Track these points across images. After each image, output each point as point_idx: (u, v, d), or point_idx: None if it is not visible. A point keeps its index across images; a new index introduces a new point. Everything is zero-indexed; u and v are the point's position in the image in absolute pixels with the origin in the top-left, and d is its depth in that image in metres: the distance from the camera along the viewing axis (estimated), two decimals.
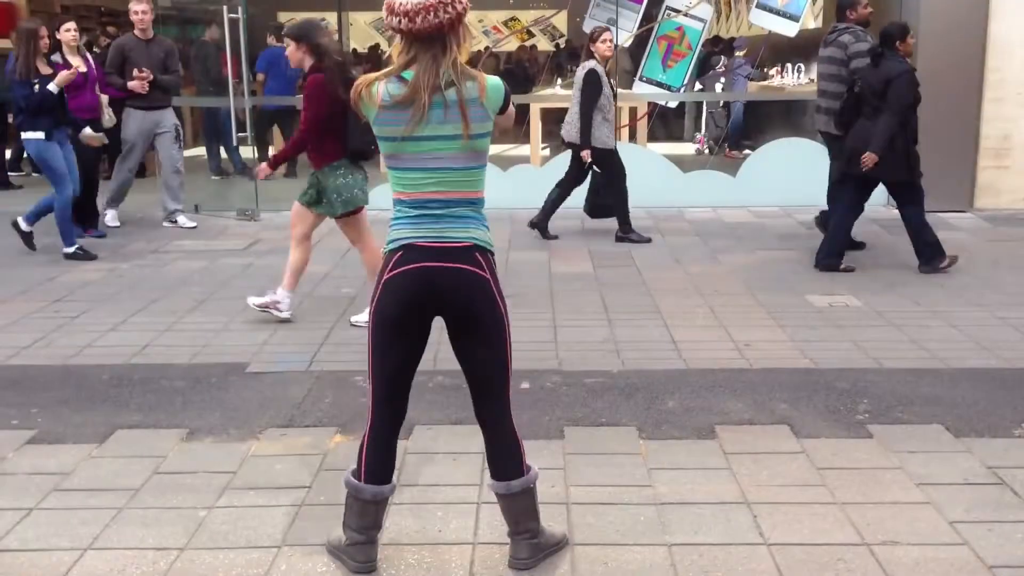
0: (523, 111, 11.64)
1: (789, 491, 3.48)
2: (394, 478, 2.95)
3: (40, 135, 7.10)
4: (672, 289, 6.35)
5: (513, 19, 20.10)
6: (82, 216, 7.94)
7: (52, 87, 6.98)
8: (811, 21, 10.94)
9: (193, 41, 12.03)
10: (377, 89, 2.68)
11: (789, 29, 9.64)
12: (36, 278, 6.70)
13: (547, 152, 11.08)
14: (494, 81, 2.75)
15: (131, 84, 8.20)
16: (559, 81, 12.93)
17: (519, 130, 11.66)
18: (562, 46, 18.47)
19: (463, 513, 3.30)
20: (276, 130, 11.73)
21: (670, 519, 3.27)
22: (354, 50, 17.57)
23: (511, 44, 19.22)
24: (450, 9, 2.61)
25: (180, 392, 4.51)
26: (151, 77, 8.20)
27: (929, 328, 5.42)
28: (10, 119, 10.96)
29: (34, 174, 12.00)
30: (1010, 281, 6.51)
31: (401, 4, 2.60)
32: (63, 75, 7.04)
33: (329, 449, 3.84)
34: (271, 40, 11.62)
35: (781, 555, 3.04)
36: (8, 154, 11.55)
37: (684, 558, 3.03)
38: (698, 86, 9.18)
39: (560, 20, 19.60)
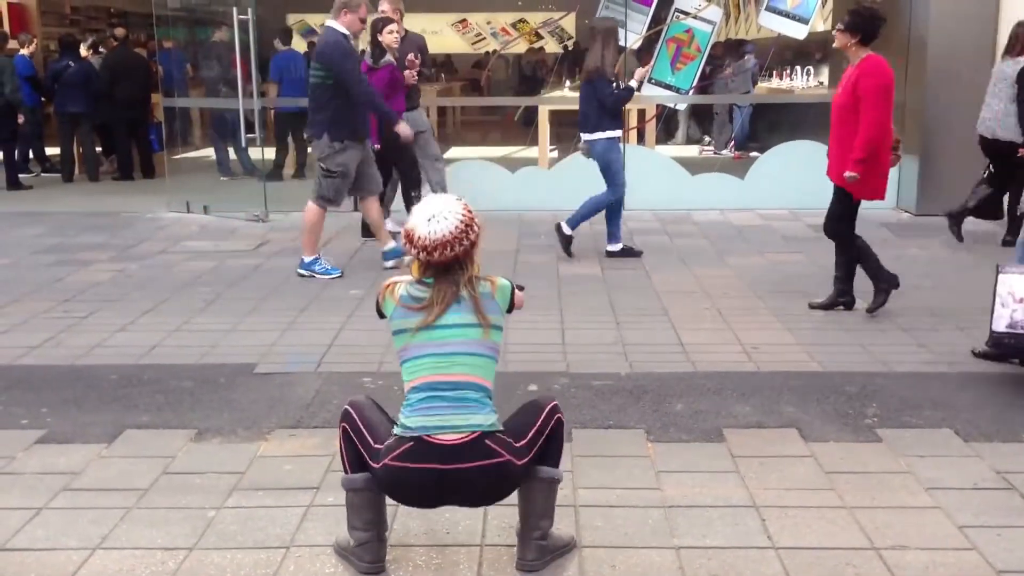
0: (532, 113, 11.68)
1: (798, 494, 3.47)
2: None
3: (618, 133, 7.21)
4: (680, 292, 6.34)
5: (522, 21, 20.12)
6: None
7: (633, 84, 7.28)
8: (820, 24, 10.92)
9: (202, 42, 12.07)
10: (399, 290, 2.84)
11: (798, 32, 9.63)
12: (45, 279, 6.72)
13: (555, 154, 11.08)
14: (503, 283, 2.91)
15: (406, 74, 7.80)
16: (567, 83, 12.94)
17: (528, 132, 11.69)
18: (570, 48, 18.48)
19: (471, 515, 3.30)
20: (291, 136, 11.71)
21: (678, 522, 3.27)
22: (363, 51, 17.57)
23: (520, 46, 19.25)
24: (465, 241, 2.78)
25: (189, 392, 4.53)
26: (418, 65, 7.93)
27: (938, 332, 5.41)
28: (20, 119, 11.04)
29: (43, 174, 12.09)
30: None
31: (420, 238, 2.76)
32: (641, 72, 7.50)
33: (337, 450, 3.83)
34: (278, 44, 11.64)
35: (789, 559, 3.04)
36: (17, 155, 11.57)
37: (692, 561, 3.03)
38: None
39: (568, 22, 19.62)
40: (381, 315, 2.95)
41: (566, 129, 11.37)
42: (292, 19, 17.76)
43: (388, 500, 2.97)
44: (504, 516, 3.18)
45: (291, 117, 11.50)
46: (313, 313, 5.87)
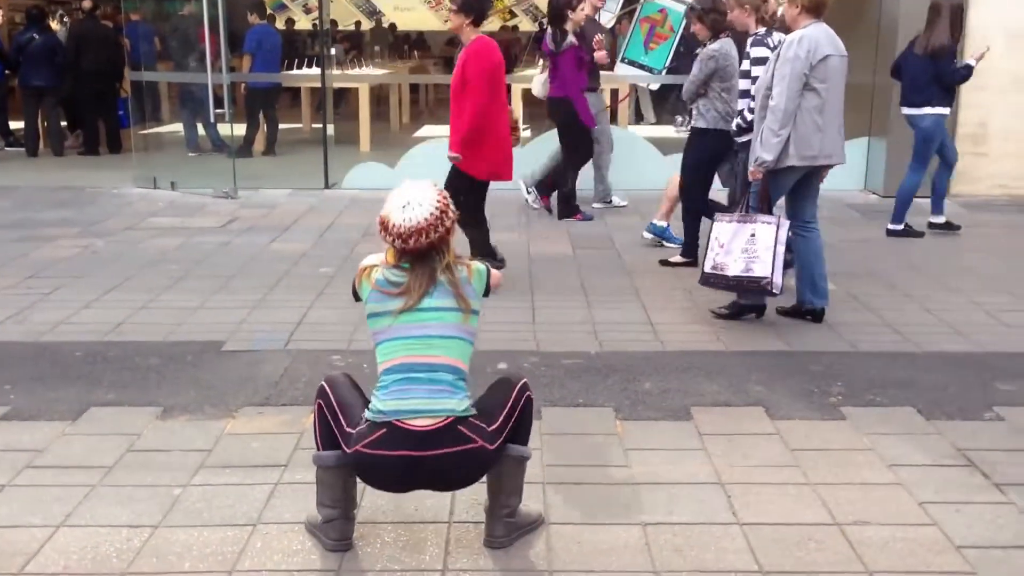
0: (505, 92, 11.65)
1: (763, 471, 3.51)
2: None
3: (947, 111, 7.20)
4: (651, 272, 6.36)
5: None
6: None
7: (972, 62, 7.20)
8: None
9: (171, 16, 11.90)
10: (376, 274, 2.82)
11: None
12: (8, 254, 6.63)
13: (528, 133, 11.05)
14: (478, 267, 2.91)
15: (598, 55, 7.83)
16: (541, 62, 12.89)
17: None
18: (545, 26, 18.41)
19: (439, 493, 3.30)
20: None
21: (645, 499, 3.30)
22: (334, 23, 17.42)
23: (493, 24, 19.13)
24: (440, 228, 2.76)
25: (155, 370, 4.49)
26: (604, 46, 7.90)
27: (904, 312, 5.47)
28: None
29: (7, 148, 11.88)
30: (985, 266, 6.57)
31: (395, 226, 2.73)
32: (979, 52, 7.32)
33: (306, 428, 3.82)
34: (254, 19, 11.49)
35: (753, 534, 3.07)
36: None
37: (658, 537, 3.05)
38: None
39: (542, 0, 19.53)
40: (357, 298, 2.94)
41: (539, 108, 11.35)
42: None
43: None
44: (472, 493, 3.18)
45: (264, 92, 11.38)
46: (282, 291, 5.84)
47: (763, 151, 4.96)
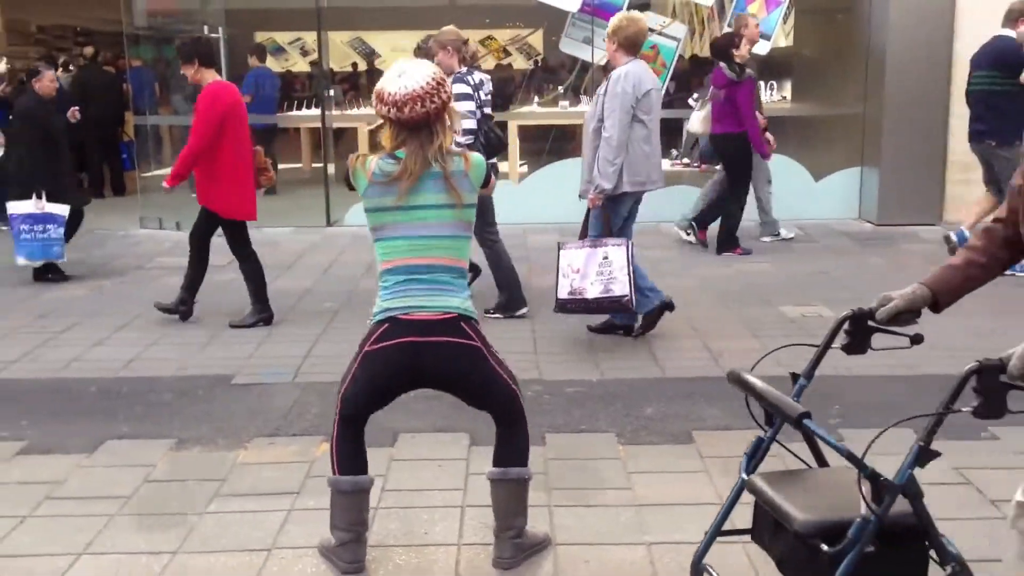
0: (501, 128, 11.83)
1: None
2: (369, 471, 3.05)
3: None
4: None
5: (490, 38, 20.28)
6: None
7: None
8: (782, 39, 11.16)
9: (171, 61, 12.10)
10: (370, 164, 2.85)
11: (760, 48, 9.82)
12: (21, 295, 6.75)
13: (524, 169, 11.22)
14: (477, 158, 2.95)
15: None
16: (536, 99, 13.09)
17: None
18: (539, 64, 18.66)
19: (448, 516, 3.40)
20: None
21: (649, 519, 3.39)
22: (331, 70, 17.66)
23: (488, 62, 19.41)
24: (436, 99, 2.79)
25: (167, 404, 4.59)
26: None
27: (899, 338, 5.56)
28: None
29: None
30: (979, 291, 6.66)
31: (390, 94, 2.78)
32: None
33: (316, 457, 3.92)
34: (253, 61, 11.70)
35: (755, 550, 3.15)
36: None
37: (663, 555, 3.14)
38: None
39: (536, 39, 19.81)
40: (350, 187, 2.96)
41: (535, 144, 11.54)
42: (260, 36, 17.81)
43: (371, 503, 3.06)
44: (480, 518, 3.27)
45: (261, 133, 11.55)
46: (288, 326, 5.95)
47: (602, 180, 5.31)
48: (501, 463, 3.05)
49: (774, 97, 12.26)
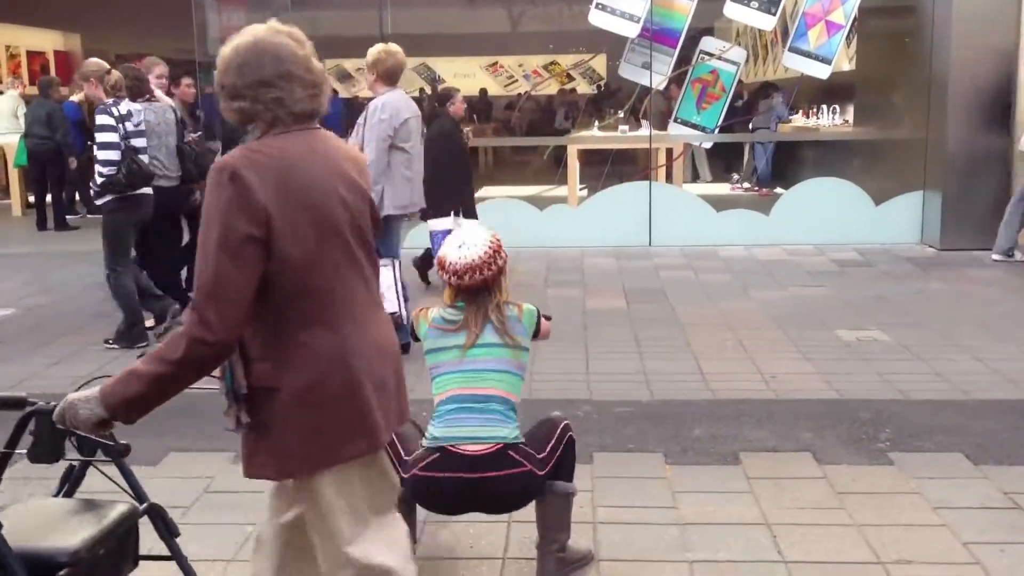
0: (561, 152, 11.94)
1: (809, 513, 3.61)
2: None
3: None
4: (703, 324, 6.50)
5: (553, 63, 20.49)
6: None
7: None
8: (844, 63, 11.11)
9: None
10: (432, 313, 3.08)
11: (821, 72, 9.81)
12: (94, 313, 7.02)
13: (584, 192, 11.31)
14: (529, 307, 3.12)
15: None
16: (596, 123, 13.20)
17: (557, 171, 11.94)
18: (601, 88, 18.79)
19: (493, 531, 3.48)
20: None
21: (692, 538, 3.42)
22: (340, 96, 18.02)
23: (551, 87, 19.60)
24: (493, 267, 3.00)
25: None
26: None
27: (955, 361, 5.52)
28: (72, 164, 11.49)
29: (89, 215, 12.50)
30: None
31: (451, 264, 3.00)
32: None
33: None
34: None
35: (798, 572, 3.18)
36: (64, 196, 12.00)
37: (705, 574, 3.17)
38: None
39: (599, 63, 19.95)
40: (415, 338, 3.16)
41: (594, 168, 11.62)
42: (329, 64, 18.24)
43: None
44: (525, 530, 3.34)
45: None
46: None
47: None
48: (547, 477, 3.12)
49: (836, 121, 12.21)
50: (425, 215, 7.41)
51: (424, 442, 3.01)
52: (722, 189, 13.31)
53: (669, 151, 11.34)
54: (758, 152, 13.32)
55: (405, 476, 3.01)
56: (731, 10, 9.66)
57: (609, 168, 11.49)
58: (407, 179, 5.72)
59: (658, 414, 4.70)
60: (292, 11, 12.45)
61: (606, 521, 3.56)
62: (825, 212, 9.40)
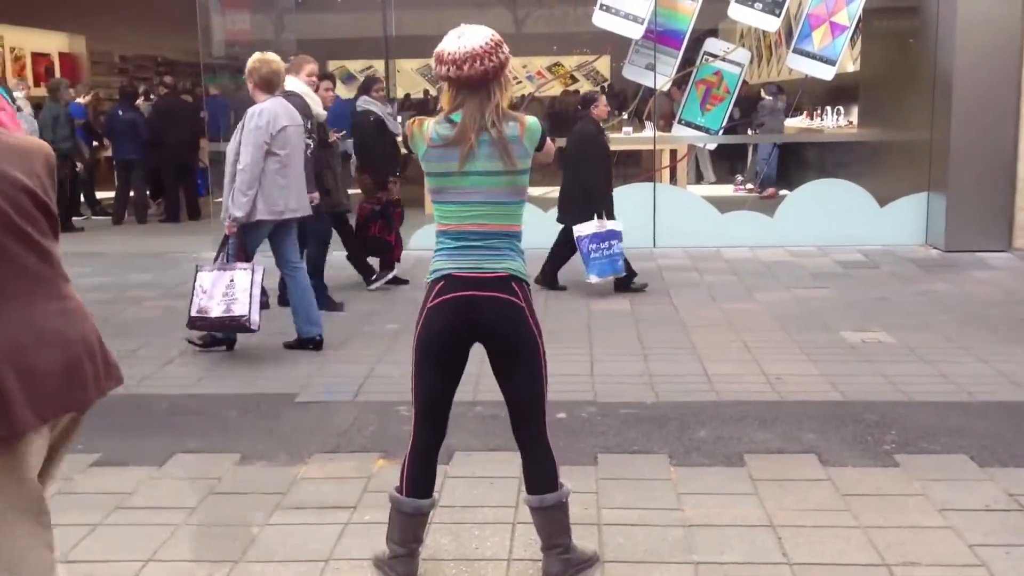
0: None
1: (813, 515, 3.61)
2: (434, 495, 3.14)
3: None
4: (707, 325, 6.50)
5: (557, 64, 20.50)
6: None
7: None
8: (849, 64, 11.10)
9: (240, 88, 12.48)
10: (427, 128, 2.95)
11: (825, 73, 9.81)
12: (96, 314, 7.01)
13: None
14: (533, 121, 3.00)
15: None
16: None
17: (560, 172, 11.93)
18: (606, 90, 18.81)
19: (499, 532, 3.48)
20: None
21: (697, 540, 3.42)
22: (407, 95, 18.08)
23: (555, 89, 19.62)
24: (494, 58, 2.89)
25: (233, 420, 4.76)
26: None
27: (960, 363, 5.51)
28: (79, 167, 11.53)
29: (93, 217, 12.54)
30: None
31: (450, 54, 2.88)
32: None
33: (373, 473, 4.04)
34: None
35: (803, 574, 3.18)
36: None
37: (709, 575, 3.17)
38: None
39: (603, 64, 19.96)
40: (410, 151, 3.06)
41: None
42: (333, 65, 18.26)
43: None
44: (530, 534, 3.34)
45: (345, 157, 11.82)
46: (351, 347, 6.10)
47: (234, 209, 5.64)
48: (536, 491, 3.09)
49: (840, 122, 12.21)
50: (564, 218, 7.52)
51: (429, 277, 2.98)
52: (726, 191, 13.30)
53: (673, 152, 11.35)
54: (761, 153, 13.32)
55: (422, 317, 2.97)
56: (735, 11, 9.66)
57: (613, 169, 11.46)
58: (281, 186, 5.77)
59: (663, 416, 4.70)
60: (297, 13, 12.50)
61: (611, 523, 3.56)
62: (829, 213, 9.39)
